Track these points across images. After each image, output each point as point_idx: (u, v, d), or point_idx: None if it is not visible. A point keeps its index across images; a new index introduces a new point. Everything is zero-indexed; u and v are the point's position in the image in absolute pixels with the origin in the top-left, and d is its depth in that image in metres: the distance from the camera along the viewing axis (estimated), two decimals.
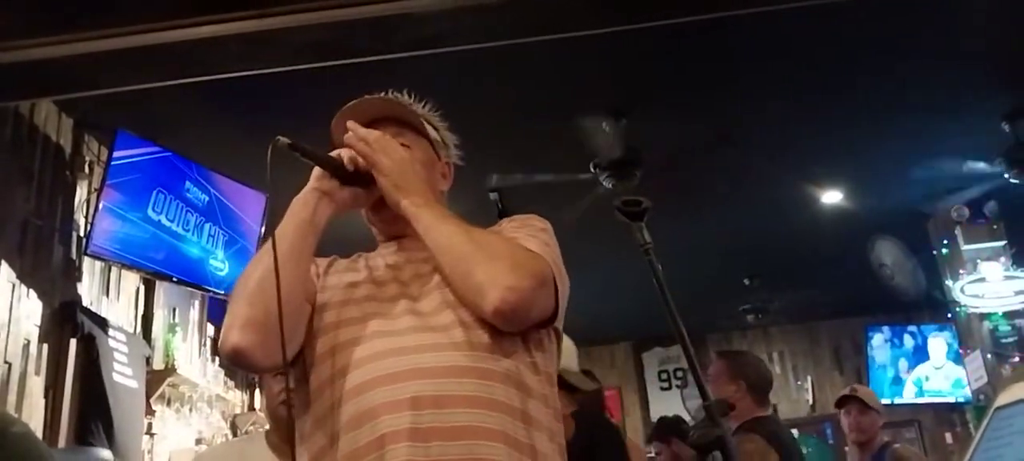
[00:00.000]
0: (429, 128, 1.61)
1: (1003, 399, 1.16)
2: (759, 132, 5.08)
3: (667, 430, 5.01)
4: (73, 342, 4.10)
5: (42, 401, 3.89)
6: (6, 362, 3.70)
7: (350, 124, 1.47)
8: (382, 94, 1.58)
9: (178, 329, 4.91)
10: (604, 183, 4.94)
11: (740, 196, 5.90)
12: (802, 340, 9.43)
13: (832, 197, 6.14)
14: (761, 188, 5.78)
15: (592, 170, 4.95)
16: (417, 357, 1.32)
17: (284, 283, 1.30)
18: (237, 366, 1.39)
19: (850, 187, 6.00)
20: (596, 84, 4.51)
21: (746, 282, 7.69)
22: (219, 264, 4.83)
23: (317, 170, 1.44)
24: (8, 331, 3.75)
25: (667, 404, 9.05)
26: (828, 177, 5.87)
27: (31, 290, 3.94)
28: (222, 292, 4.75)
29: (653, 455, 5.18)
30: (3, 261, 3.78)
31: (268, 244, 1.36)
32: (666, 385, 9.47)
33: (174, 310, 5.01)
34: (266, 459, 2.32)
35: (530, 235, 1.46)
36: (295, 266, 1.37)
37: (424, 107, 1.64)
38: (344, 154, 1.45)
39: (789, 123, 5.01)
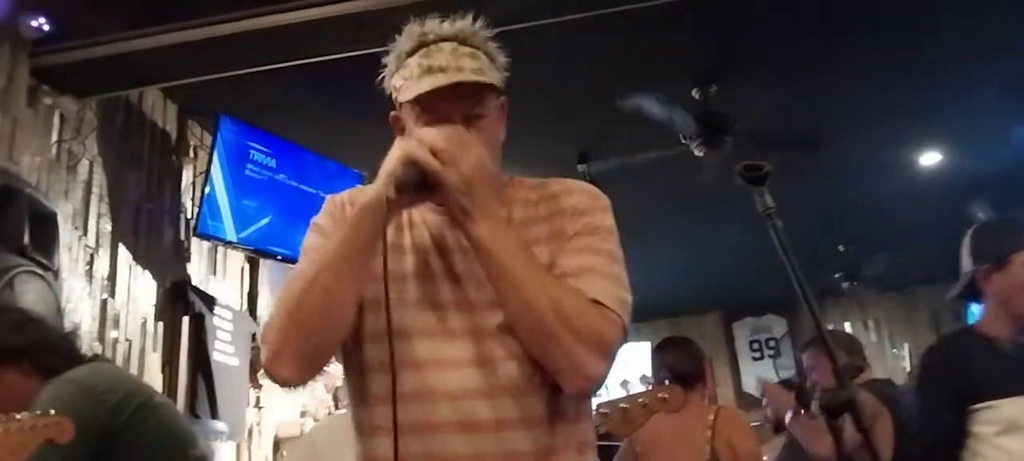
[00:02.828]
0: (498, 75, 1.43)
1: None
2: (853, 94, 4.96)
3: (786, 388, 5.13)
4: (185, 320, 4.29)
5: (160, 376, 4.09)
6: (127, 339, 3.91)
7: (419, 136, 1.29)
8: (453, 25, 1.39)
9: None
10: (695, 152, 4.89)
11: (834, 160, 5.76)
12: (898, 306, 9.19)
13: (931, 158, 5.96)
14: (856, 151, 5.65)
15: (682, 140, 4.91)
16: (474, 372, 1.30)
17: (342, 308, 1.29)
18: (278, 385, 1.37)
19: (950, 147, 5.82)
20: (686, 51, 4.46)
21: (840, 248, 7.53)
22: None
23: (389, 176, 1.28)
24: (128, 310, 3.95)
25: (759, 373, 8.97)
26: (926, 138, 5.70)
27: (146, 271, 4.13)
28: None
29: (763, 408, 5.32)
30: (120, 243, 3.97)
31: (322, 265, 1.29)
32: (758, 355, 9.36)
33: (279, 287, 5.18)
34: None
35: (605, 274, 1.34)
36: (355, 288, 1.31)
37: (489, 37, 1.44)
38: (414, 153, 1.27)
39: (884, 83, 4.87)
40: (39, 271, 2.83)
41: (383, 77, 1.44)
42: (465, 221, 1.28)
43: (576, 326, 1.25)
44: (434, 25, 1.38)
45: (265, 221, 4.63)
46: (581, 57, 4.37)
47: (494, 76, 1.38)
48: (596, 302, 1.29)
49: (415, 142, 1.27)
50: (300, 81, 4.17)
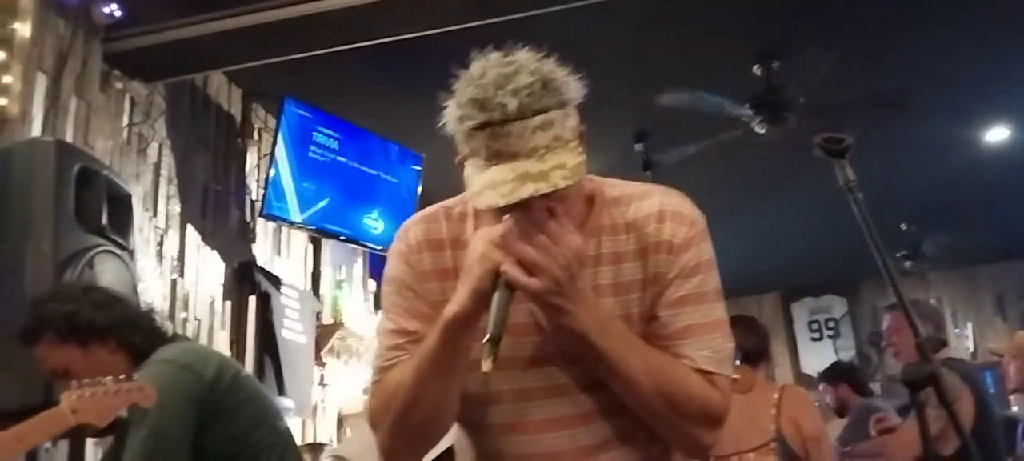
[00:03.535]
0: (575, 118, 1.28)
1: None
2: (917, 68, 4.85)
3: (837, 373, 5.06)
4: (252, 299, 4.39)
5: (228, 353, 4.18)
6: (196, 318, 4.01)
7: (503, 244, 1.22)
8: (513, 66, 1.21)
9: (345, 285, 5.16)
10: (756, 128, 4.84)
11: (896, 137, 5.66)
12: (962, 285, 9.00)
13: (997, 134, 5.82)
14: (919, 127, 5.53)
15: (742, 118, 4.86)
16: (586, 429, 1.32)
17: (449, 411, 1.33)
18: None
19: (1018, 122, 5.67)
20: (748, 26, 4.41)
21: (903, 227, 7.40)
22: (374, 222, 5.00)
23: (481, 288, 1.22)
24: (196, 290, 4.05)
25: (818, 354, 8.87)
26: (993, 113, 5.57)
27: (214, 251, 4.22)
28: (380, 248, 4.93)
29: (821, 394, 5.19)
30: (189, 225, 4.07)
31: (422, 371, 1.27)
32: (817, 335, 9.25)
33: (341, 267, 5.26)
34: None
35: (709, 325, 1.31)
36: (457, 388, 1.32)
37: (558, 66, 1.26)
38: (501, 270, 1.22)
39: (950, 56, 4.76)
40: (116, 251, 2.91)
41: (447, 104, 1.26)
42: (559, 317, 1.25)
43: (686, 411, 1.27)
44: (495, 84, 1.20)
45: (325, 202, 4.69)
46: (639, 35, 4.34)
47: (570, 127, 1.25)
48: (703, 372, 1.28)
49: (499, 253, 1.22)
50: (362, 63, 4.21)
